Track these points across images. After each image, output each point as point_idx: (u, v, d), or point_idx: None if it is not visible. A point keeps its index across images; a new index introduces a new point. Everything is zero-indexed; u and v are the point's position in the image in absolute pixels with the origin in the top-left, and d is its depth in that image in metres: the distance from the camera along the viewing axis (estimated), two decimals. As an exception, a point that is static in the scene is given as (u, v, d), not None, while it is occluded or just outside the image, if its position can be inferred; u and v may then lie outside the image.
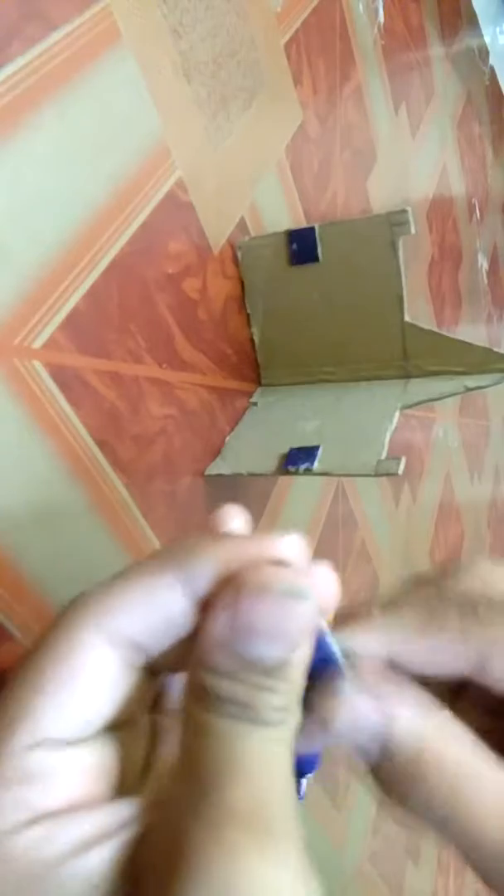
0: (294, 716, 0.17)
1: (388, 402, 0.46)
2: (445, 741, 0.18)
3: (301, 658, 0.17)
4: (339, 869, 0.68)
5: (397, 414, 0.45)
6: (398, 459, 0.40)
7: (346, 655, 0.19)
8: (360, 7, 0.74)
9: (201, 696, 0.16)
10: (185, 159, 0.44)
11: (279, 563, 0.17)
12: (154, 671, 0.18)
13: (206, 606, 0.17)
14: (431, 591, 0.21)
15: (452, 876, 1.03)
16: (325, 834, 0.65)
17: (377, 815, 0.76)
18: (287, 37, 0.59)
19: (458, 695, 0.21)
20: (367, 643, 0.19)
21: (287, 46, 0.58)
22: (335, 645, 0.19)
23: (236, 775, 0.15)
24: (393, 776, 0.18)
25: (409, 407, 0.46)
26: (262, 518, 0.54)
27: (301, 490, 0.60)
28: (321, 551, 0.64)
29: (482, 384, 0.44)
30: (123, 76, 0.39)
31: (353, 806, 0.70)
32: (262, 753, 0.16)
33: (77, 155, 0.36)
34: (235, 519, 0.21)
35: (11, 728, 0.16)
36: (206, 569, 0.17)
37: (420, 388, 0.47)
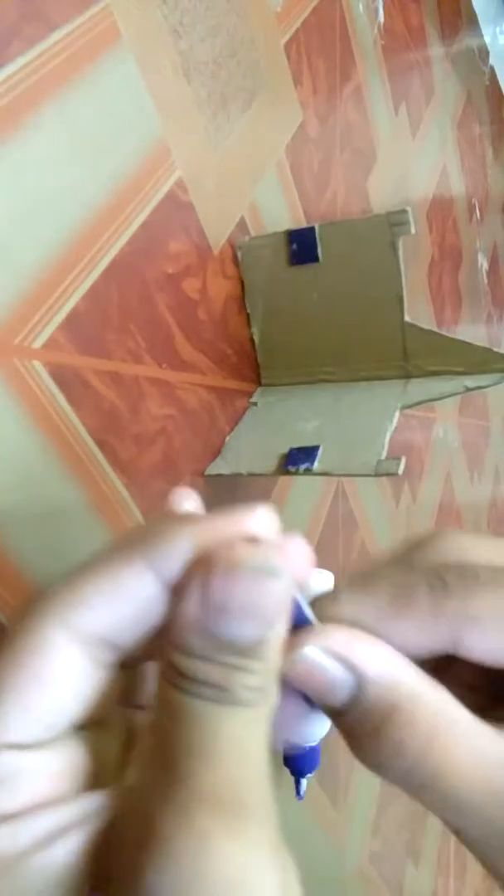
0: (270, 696, 0.16)
1: (388, 402, 0.46)
2: (421, 694, 0.17)
3: (277, 636, 0.16)
4: (339, 869, 0.68)
5: (397, 414, 0.45)
6: (398, 459, 0.40)
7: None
8: (360, 7, 0.74)
9: (174, 678, 0.15)
10: (185, 159, 0.44)
11: (250, 539, 0.17)
12: (128, 664, 0.18)
13: (178, 589, 0.16)
14: (401, 565, 0.20)
15: (452, 876, 1.03)
16: (325, 834, 0.65)
17: (377, 815, 0.76)
18: (287, 37, 0.59)
19: (438, 671, 0.20)
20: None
21: (287, 46, 0.58)
22: (306, 607, 0.18)
23: (209, 758, 0.15)
24: (366, 733, 0.17)
25: (409, 407, 0.46)
26: (262, 518, 0.54)
27: (301, 490, 0.60)
28: (321, 551, 0.64)
29: (482, 384, 0.44)
30: (123, 76, 0.39)
31: (353, 806, 0.70)
32: (236, 735, 0.15)
33: (77, 155, 0.36)
34: (188, 500, 0.20)
35: None
36: (176, 551, 0.16)
37: (420, 388, 0.47)
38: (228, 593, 0.15)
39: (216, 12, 0.48)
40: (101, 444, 0.37)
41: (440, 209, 1.01)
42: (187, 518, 0.18)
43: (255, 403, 0.52)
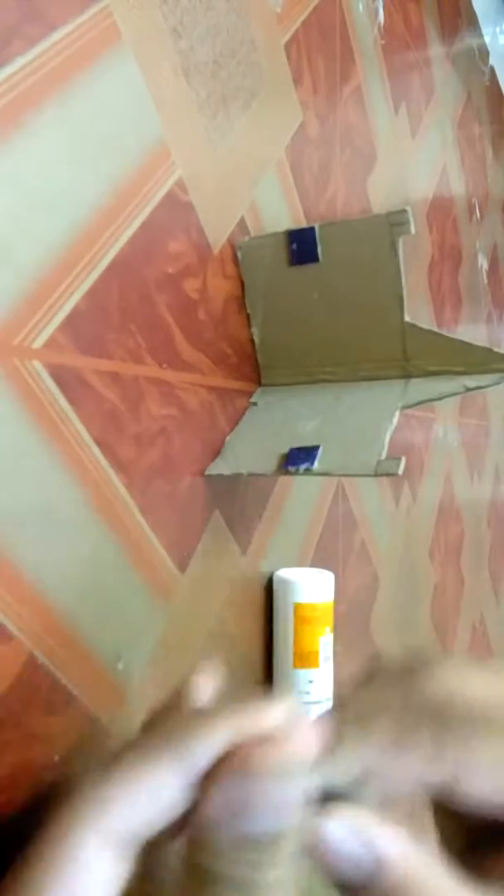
0: (290, 881, 0.18)
1: (388, 402, 0.46)
2: (431, 875, 0.18)
3: (294, 829, 0.17)
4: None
5: (397, 414, 0.45)
6: (398, 459, 0.40)
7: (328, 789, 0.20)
8: (360, 7, 0.74)
9: (200, 874, 0.17)
10: (185, 159, 0.44)
11: (268, 739, 0.18)
12: (146, 847, 0.20)
13: (202, 785, 0.18)
14: (399, 696, 0.21)
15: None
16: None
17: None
18: (287, 37, 0.59)
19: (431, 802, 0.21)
20: (342, 769, 0.20)
21: (287, 46, 0.58)
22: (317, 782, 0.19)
23: None
24: None
25: (409, 407, 0.46)
26: (262, 518, 0.54)
27: (301, 490, 0.60)
28: (321, 551, 0.64)
29: (482, 384, 0.44)
30: (123, 76, 0.39)
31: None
32: None
33: (77, 155, 0.36)
34: (206, 685, 0.23)
35: None
36: (202, 753, 0.18)
37: (420, 388, 0.47)
38: (251, 795, 0.17)
39: (216, 12, 0.48)
40: (101, 445, 0.37)
41: (440, 209, 1.01)
42: (210, 715, 0.19)
43: (255, 403, 0.52)
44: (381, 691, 0.22)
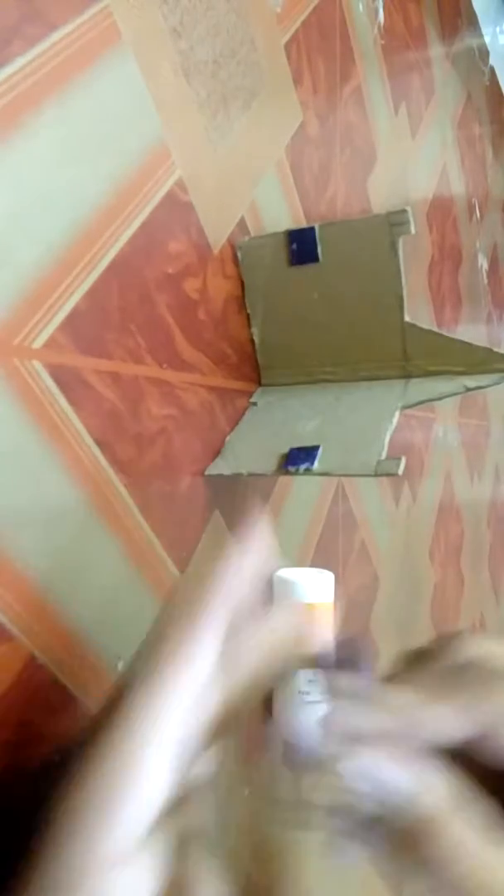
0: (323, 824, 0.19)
1: (388, 402, 0.46)
2: (459, 810, 0.18)
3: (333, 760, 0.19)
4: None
5: (397, 414, 0.45)
6: (398, 459, 0.40)
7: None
8: (360, 7, 0.74)
9: (260, 801, 0.18)
10: (185, 159, 0.44)
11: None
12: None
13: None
14: (439, 660, 0.22)
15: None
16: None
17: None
18: (287, 37, 0.59)
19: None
20: (383, 715, 0.21)
21: (287, 46, 0.58)
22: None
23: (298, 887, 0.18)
24: (403, 835, 0.19)
25: (409, 407, 0.46)
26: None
27: (301, 490, 0.60)
28: (321, 551, 0.64)
29: (482, 384, 0.44)
30: (123, 76, 0.39)
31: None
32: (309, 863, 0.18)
33: (77, 155, 0.36)
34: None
35: (102, 835, 0.17)
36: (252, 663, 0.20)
37: (420, 388, 0.47)
38: (334, 721, 0.18)
39: (216, 12, 0.48)
40: (101, 445, 0.37)
41: (440, 209, 1.01)
42: (258, 624, 0.22)
43: (255, 403, 0.52)
44: (420, 660, 0.23)
